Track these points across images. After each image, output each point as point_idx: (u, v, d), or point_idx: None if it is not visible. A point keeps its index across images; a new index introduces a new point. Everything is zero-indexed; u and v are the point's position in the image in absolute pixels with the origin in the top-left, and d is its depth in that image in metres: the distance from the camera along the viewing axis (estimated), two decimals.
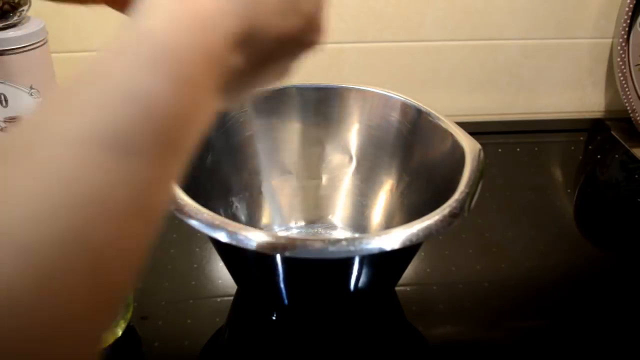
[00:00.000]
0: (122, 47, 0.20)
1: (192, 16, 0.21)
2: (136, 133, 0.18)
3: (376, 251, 0.35)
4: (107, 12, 0.79)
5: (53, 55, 0.67)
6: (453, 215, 0.38)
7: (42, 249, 0.16)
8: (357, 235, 0.55)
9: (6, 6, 0.59)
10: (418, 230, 0.36)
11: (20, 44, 0.58)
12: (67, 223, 0.16)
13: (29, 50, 0.59)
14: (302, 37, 0.27)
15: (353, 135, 0.55)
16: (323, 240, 0.35)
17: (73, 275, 0.16)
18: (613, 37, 0.78)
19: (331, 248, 0.35)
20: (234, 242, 0.36)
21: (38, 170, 0.17)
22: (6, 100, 0.57)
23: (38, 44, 0.60)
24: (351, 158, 0.55)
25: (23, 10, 0.61)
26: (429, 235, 0.36)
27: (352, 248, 0.35)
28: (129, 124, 0.18)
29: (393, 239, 0.35)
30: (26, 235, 0.16)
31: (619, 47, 0.74)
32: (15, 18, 0.60)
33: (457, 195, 0.39)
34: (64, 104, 0.19)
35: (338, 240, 0.35)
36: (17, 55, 0.58)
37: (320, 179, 0.56)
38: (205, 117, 0.22)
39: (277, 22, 0.25)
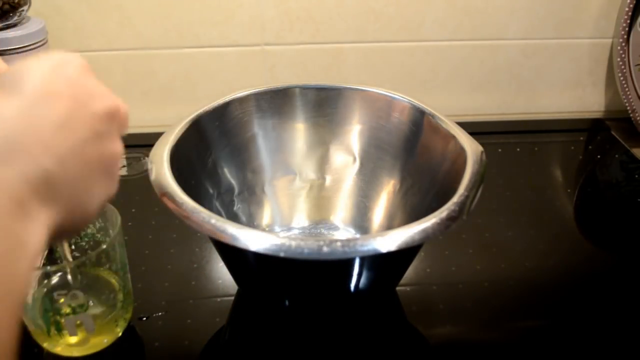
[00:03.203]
0: None
1: None
2: None
3: (371, 253, 0.35)
4: (107, 12, 0.79)
5: None
6: (451, 219, 0.37)
7: None
8: (356, 236, 0.55)
9: (6, 6, 0.59)
10: (414, 233, 0.36)
11: (20, 44, 0.58)
12: None
13: (29, 50, 0.59)
14: (107, 136, 0.28)
15: (357, 136, 0.55)
16: (318, 242, 0.35)
17: None
18: (613, 37, 0.78)
19: (326, 249, 0.35)
20: (232, 242, 0.36)
21: None
22: None
23: (38, 44, 0.60)
24: (355, 159, 0.55)
25: (23, 10, 0.61)
26: (425, 238, 0.36)
27: (347, 249, 0.35)
28: None
29: (389, 241, 0.35)
30: None
31: (619, 47, 0.74)
32: (15, 18, 0.60)
33: (456, 198, 0.39)
34: None
35: (333, 242, 0.35)
36: (17, 55, 0.58)
37: (324, 179, 0.56)
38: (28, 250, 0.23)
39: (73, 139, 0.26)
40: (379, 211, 0.54)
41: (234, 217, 0.52)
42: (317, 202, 0.56)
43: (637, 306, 0.51)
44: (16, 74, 0.26)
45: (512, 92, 0.82)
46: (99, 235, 0.47)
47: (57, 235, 0.26)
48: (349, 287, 0.43)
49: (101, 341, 0.44)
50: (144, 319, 0.49)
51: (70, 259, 0.42)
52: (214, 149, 0.51)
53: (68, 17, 0.71)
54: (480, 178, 0.42)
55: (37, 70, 0.26)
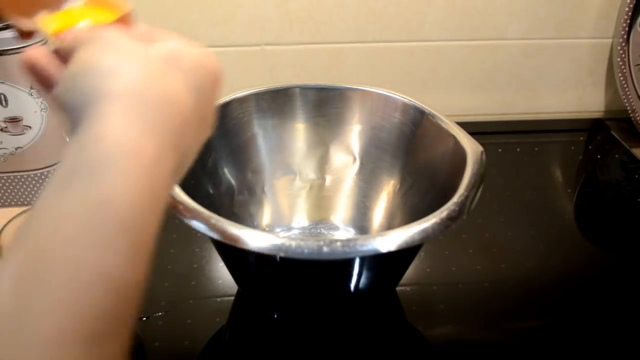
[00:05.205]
0: (78, 219, 0.21)
1: (143, 174, 0.23)
2: (105, 317, 0.20)
3: (371, 253, 0.35)
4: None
5: None
6: (451, 219, 0.37)
7: None
8: (356, 236, 0.55)
9: None
10: (414, 233, 0.36)
11: (20, 44, 0.58)
12: None
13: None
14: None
15: (356, 136, 0.55)
16: (318, 242, 0.35)
17: None
18: (613, 37, 0.78)
19: (326, 249, 0.35)
20: (231, 243, 0.36)
21: None
22: (6, 101, 0.57)
23: (38, 44, 0.60)
24: (355, 159, 0.55)
25: None
26: (425, 238, 0.36)
27: (347, 249, 0.35)
28: (99, 311, 0.20)
29: (389, 241, 0.35)
30: None
31: (619, 47, 0.74)
32: None
33: (455, 198, 0.39)
34: (34, 297, 0.19)
35: (333, 242, 0.35)
36: (17, 55, 0.58)
37: (324, 179, 0.56)
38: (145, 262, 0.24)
39: (197, 136, 0.29)
40: (379, 211, 0.54)
41: (234, 217, 0.52)
42: (317, 202, 0.56)
43: (637, 306, 0.51)
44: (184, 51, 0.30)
45: (512, 92, 0.82)
46: None
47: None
48: (349, 287, 0.43)
49: None
50: (144, 319, 0.49)
51: None
52: (214, 149, 0.51)
53: None
54: (480, 178, 0.42)
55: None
